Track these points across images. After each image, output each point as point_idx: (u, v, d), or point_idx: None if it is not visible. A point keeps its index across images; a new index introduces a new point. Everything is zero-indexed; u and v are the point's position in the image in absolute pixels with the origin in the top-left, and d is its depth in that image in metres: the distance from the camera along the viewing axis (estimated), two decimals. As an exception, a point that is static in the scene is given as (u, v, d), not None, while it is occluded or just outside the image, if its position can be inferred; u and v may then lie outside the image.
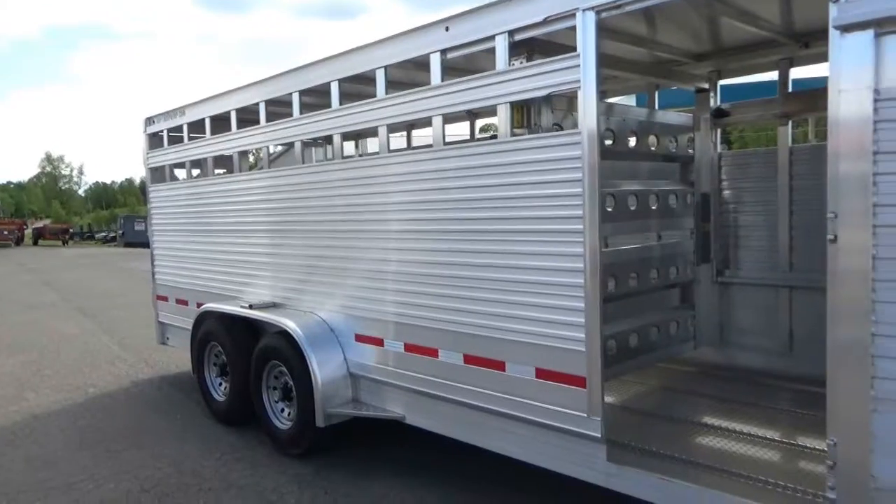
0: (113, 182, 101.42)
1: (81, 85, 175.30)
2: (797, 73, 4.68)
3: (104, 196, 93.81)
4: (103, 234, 51.31)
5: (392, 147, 4.48)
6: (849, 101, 2.37)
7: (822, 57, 3.65)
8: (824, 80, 2.50)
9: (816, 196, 4.03)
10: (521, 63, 3.50)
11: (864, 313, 2.38)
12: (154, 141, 7.04)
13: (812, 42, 4.30)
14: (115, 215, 60.16)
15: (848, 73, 2.37)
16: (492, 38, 3.59)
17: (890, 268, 2.33)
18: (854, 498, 2.48)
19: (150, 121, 7.03)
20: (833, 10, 2.39)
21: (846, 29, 2.36)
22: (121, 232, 42.75)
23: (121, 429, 5.83)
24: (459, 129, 6.17)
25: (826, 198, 2.48)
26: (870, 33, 2.32)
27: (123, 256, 30.48)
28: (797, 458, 3.36)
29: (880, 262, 2.35)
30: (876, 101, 2.32)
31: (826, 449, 2.57)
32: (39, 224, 55.08)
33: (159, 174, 7.10)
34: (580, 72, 3.17)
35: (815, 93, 4.10)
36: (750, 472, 3.10)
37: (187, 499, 4.39)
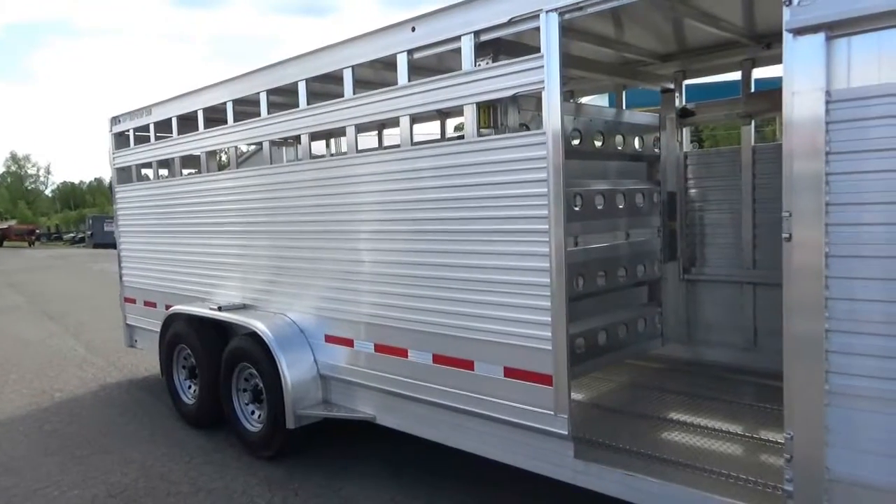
0: (81, 182, 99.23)
1: (47, 82, 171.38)
2: (763, 72, 4.78)
3: (72, 196, 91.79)
4: (71, 234, 50.30)
5: (364, 146, 4.47)
6: (802, 103, 2.42)
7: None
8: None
9: (778, 194, 4.14)
10: (487, 63, 3.52)
11: (818, 309, 2.44)
12: (120, 140, 6.93)
13: (773, 43, 4.38)
14: (84, 216, 58.95)
15: (801, 76, 2.43)
16: (458, 38, 3.59)
17: (841, 265, 2.39)
18: (809, 490, 2.54)
19: (115, 120, 6.92)
20: (786, 14, 2.44)
21: (798, 32, 2.42)
22: (89, 233, 42.00)
23: (87, 433, 5.74)
24: (434, 128, 6.17)
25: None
26: (821, 36, 2.37)
27: (92, 258, 29.93)
28: (759, 451, 3.43)
29: (832, 260, 2.41)
30: (828, 102, 2.37)
31: (783, 442, 2.63)
32: (5, 225, 53.75)
33: (126, 174, 7.00)
34: (544, 72, 3.19)
35: (776, 93, 4.17)
36: (713, 466, 3.16)
37: (155, 503, 4.34)
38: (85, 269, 24.46)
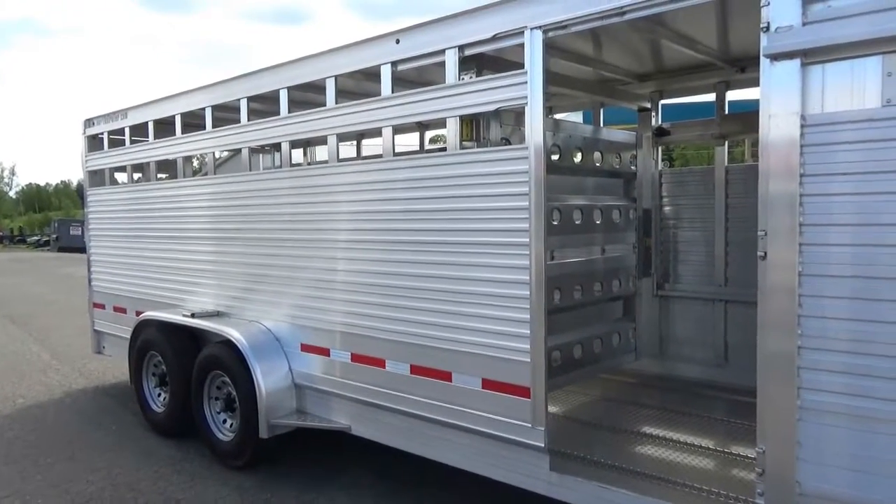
0: (47, 184, 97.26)
1: (14, 82, 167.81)
2: (736, 95, 4.91)
3: (37, 198, 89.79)
4: (35, 237, 49.14)
5: (342, 156, 4.47)
6: (778, 126, 2.50)
7: (757, 81, 3.83)
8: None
9: (750, 213, 4.25)
10: (471, 78, 3.56)
11: (791, 327, 2.51)
12: (93, 143, 6.83)
13: (748, 67, 4.51)
14: (49, 218, 57.65)
15: (777, 99, 2.51)
16: (442, 52, 3.64)
17: (814, 284, 2.47)
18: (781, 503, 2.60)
19: (89, 122, 6.82)
20: (763, 40, 2.53)
21: (775, 57, 2.50)
22: (55, 236, 41.03)
23: (51, 441, 5.59)
24: (410, 139, 6.19)
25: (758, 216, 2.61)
26: (797, 62, 2.46)
27: (57, 261, 29.19)
28: (730, 465, 3.49)
29: (805, 279, 2.48)
30: (802, 126, 2.46)
31: (755, 457, 2.69)
32: (-34, 227, 52.27)
33: (98, 177, 6.88)
34: (527, 88, 3.24)
35: (750, 115, 4.29)
36: (685, 480, 3.20)
37: (122, 514, 4.25)
38: (50, 272, 23.86)
